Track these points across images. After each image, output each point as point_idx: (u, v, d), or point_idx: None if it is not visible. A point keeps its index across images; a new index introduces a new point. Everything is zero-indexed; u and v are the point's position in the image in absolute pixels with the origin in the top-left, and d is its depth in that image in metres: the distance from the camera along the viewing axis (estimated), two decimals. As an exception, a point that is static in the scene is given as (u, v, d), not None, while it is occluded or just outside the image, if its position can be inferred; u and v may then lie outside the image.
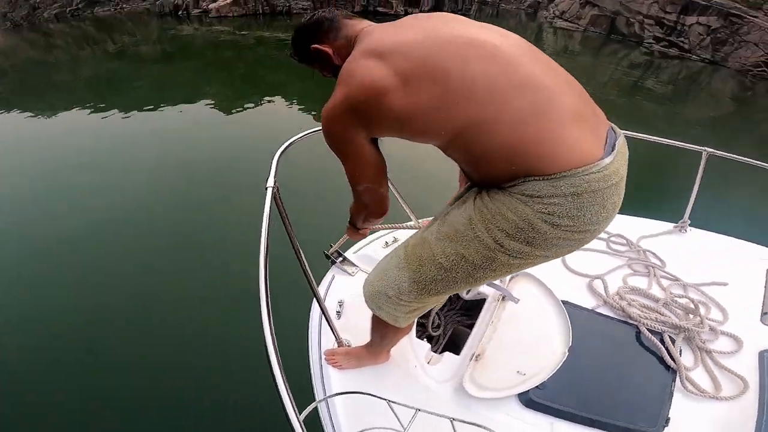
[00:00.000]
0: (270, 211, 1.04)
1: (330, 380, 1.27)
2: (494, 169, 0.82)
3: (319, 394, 1.26)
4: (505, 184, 0.82)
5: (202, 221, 3.79)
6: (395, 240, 1.82)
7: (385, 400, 1.07)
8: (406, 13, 17.84)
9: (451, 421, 1.09)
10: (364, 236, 1.31)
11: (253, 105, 7.10)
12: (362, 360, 1.30)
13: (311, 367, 1.32)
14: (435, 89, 0.78)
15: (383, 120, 0.83)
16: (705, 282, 1.75)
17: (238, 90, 8.25)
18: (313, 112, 6.73)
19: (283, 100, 7.35)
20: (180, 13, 16.34)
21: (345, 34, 0.95)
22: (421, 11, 18.14)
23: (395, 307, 1.04)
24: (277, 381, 0.73)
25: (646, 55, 14.37)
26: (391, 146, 1.05)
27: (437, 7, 19.37)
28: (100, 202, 4.03)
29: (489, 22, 0.90)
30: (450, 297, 1.79)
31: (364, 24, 0.96)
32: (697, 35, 15.37)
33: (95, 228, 3.69)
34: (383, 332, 1.18)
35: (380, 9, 17.38)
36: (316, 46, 0.96)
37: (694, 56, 14.68)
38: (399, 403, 1.08)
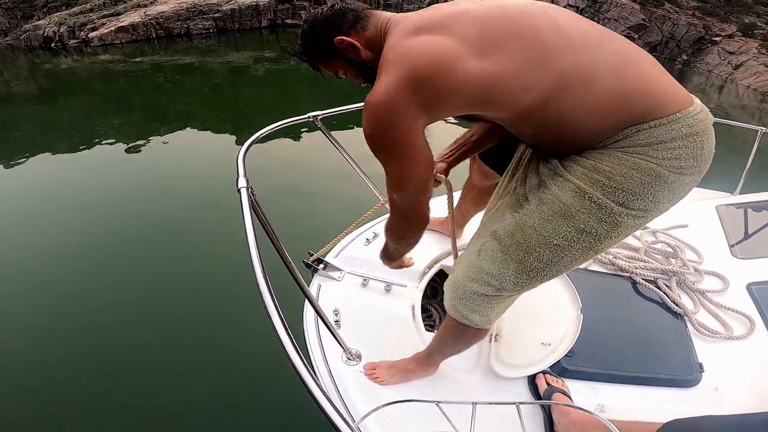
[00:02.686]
0: (250, 215, 0.94)
1: (351, 397, 1.13)
2: (599, 123, 0.74)
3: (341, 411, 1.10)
4: (608, 141, 0.75)
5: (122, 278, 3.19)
6: (375, 235, 1.69)
7: (434, 402, 0.95)
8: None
9: (517, 405, 0.99)
10: (403, 265, 1.23)
11: (161, 138, 6.35)
12: (411, 374, 1.19)
13: (322, 385, 1.14)
14: (523, 43, 0.70)
15: (459, 94, 0.71)
16: (668, 226, 1.82)
17: (139, 124, 7.36)
18: (228, 138, 6.27)
19: (194, 129, 6.73)
20: (54, 45, 14.49)
21: (374, 23, 0.85)
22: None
23: (492, 305, 0.94)
24: (322, 405, 0.68)
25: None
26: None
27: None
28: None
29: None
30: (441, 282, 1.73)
31: (391, 14, 0.87)
32: (572, 19, 17.40)
33: None
34: (467, 339, 1.07)
35: (288, 21, 17.02)
36: (342, 38, 0.84)
37: (577, 39, 16.56)
38: (455, 402, 0.96)
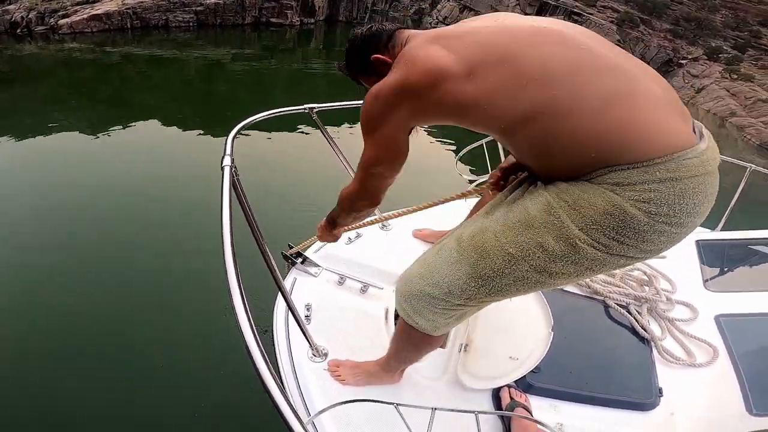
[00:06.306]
0: (229, 194, 0.93)
1: (310, 394, 1.11)
2: (571, 158, 0.75)
3: (299, 409, 1.09)
4: (583, 175, 0.76)
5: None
6: (358, 235, 1.68)
7: (393, 404, 0.95)
8: (302, 24, 17.47)
9: (476, 414, 0.98)
10: (336, 238, 1.22)
11: (122, 130, 6.03)
12: (373, 377, 1.18)
13: (284, 379, 1.16)
14: (503, 72, 0.75)
15: (440, 107, 0.82)
16: None
17: (101, 114, 7.01)
18: (195, 133, 6.01)
19: (160, 123, 6.44)
20: (19, 31, 13.70)
21: (401, 41, 0.95)
22: (315, 21, 17.98)
23: (438, 311, 0.93)
24: (274, 396, 0.66)
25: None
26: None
27: (332, 17, 19.46)
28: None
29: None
30: None
31: (416, 31, 0.97)
32: (551, 35, 18.03)
33: None
34: (415, 345, 1.05)
35: (273, 20, 16.71)
36: (377, 56, 0.95)
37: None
38: (413, 406, 0.96)
